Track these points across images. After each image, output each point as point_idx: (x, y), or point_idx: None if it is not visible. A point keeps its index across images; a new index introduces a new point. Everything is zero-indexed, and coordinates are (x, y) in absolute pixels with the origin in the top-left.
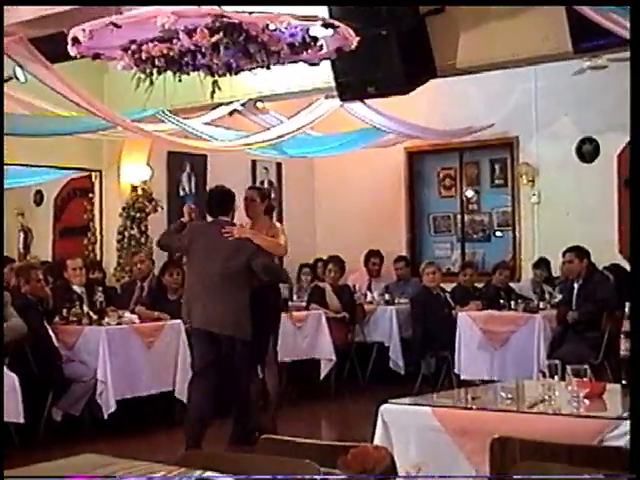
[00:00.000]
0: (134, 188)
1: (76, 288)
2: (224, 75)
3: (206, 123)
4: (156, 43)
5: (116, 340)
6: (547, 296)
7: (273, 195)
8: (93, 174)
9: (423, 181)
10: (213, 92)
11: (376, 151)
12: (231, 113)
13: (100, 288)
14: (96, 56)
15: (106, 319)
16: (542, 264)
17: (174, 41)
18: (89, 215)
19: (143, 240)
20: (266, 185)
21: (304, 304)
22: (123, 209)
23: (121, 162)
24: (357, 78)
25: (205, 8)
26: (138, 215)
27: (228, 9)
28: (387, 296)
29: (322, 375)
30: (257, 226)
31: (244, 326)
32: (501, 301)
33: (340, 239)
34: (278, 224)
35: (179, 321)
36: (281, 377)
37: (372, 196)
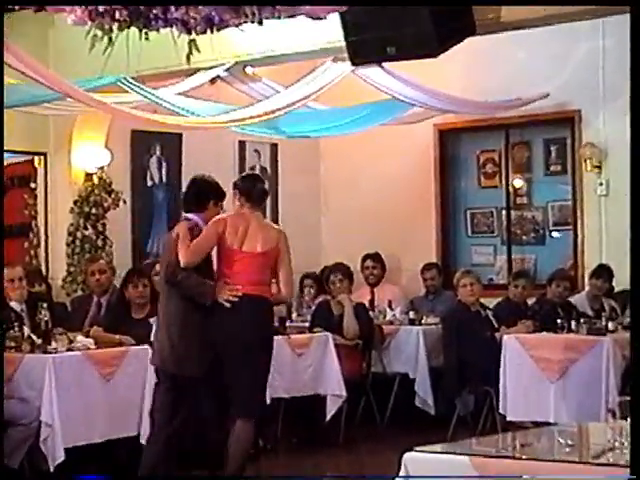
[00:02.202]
0: (89, 176)
1: (14, 305)
2: (203, 32)
3: (181, 93)
4: None
5: (65, 371)
6: (609, 313)
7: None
8: (36, 158)
9: (458, 167)
10: (189, 54)
11: (398, 129)
12: (213, 81)
13: (45, 305)
14: (39, 6)
15: (53, 344)
16: (603, 272)
17: None
18: (31, 211)
19: (100, 243)
20: (257, 172)
21: (306, 325)
22: (75, 203)
23: (72, 143)
24: (373, 36)
25: None
26: (94, 211)
27: None
28: (412, 314)
29: (329, 415)
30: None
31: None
32: (559, 321)
33: (352, 242)
34: (213, 220)
35: (146, 347)
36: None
37: (393, 187)
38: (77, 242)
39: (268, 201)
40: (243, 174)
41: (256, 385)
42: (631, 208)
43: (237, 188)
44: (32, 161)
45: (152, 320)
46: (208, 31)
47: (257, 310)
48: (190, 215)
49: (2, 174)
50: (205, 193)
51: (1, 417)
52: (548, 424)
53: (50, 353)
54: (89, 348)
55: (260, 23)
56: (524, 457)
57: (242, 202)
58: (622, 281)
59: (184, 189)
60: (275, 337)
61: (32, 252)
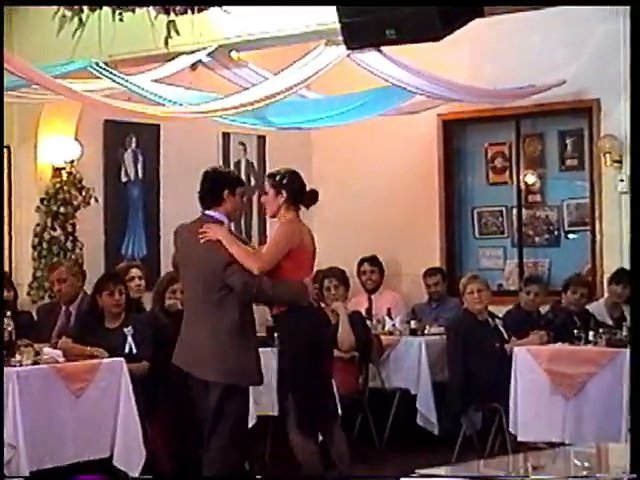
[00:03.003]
0: (57, 171)
1: None
2: (184, 13)
3: (158, 80)
4: None
5: (31, 387)
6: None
7: (285, 180)
8: None
9: (464, 162)
10: (168, 37)
11: (398, 120)
12: (194, 67)
13: (8, 313)
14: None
15: (17, 357)
16: (624, 278)
17: None
18: None
19: (70, 245)
20: (243, 168)
21: None
22: (42, 201)
23: (38, 135)
24: (371, 17)
25: None
26: (63, 210)
27: None
28: (414, 323)
29: (321, 436)
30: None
31: (235, 366)
32: (575, 331)
33: (347, 245)
34: (285, 224)
35: (121, 359)
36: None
37: (393, 184)
38: (44, 244)
39: (255, 200)
40: (309, 189)
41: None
42: (631, 207)
43: (287, 184)
44: None
45: (127, 330)
46: (189, 12)
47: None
48: (210, 212)
49: (2, 172)
50: (218, 184)
51: (1, 417)
52: (563, 445)
53: (14, 367)
54: (57, 361)
55: (246, 3)
56: None
57: (289, 204)
58: None
59: (199, 185)
60: (262, 348)
61: None
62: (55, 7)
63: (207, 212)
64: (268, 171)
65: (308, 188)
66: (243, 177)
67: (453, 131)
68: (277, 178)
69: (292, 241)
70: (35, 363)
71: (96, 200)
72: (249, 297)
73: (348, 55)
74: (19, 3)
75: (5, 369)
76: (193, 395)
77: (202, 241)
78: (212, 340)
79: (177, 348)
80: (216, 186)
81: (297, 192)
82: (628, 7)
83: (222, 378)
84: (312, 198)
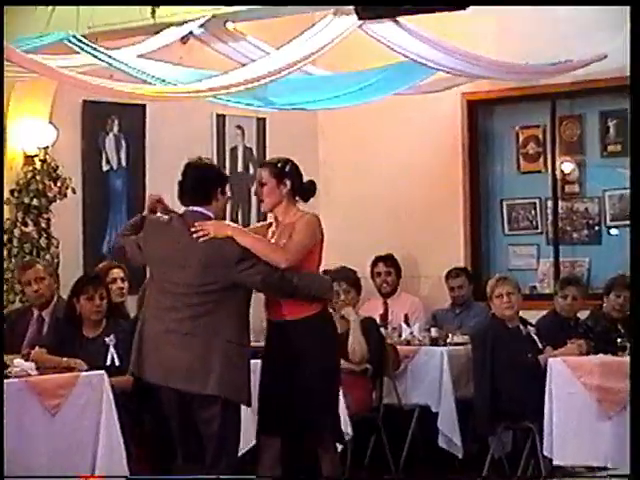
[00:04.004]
0: (29, 159)
1: None
2: None
3: (144, 56)
4: None
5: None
6: None
7: (288, 168)
8: None
9: (492, 148)
10: (155, 6)
11: (417, 100)
12: (184, 40)
13: None
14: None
15: None
16: None
17: None
18: None
19: (44, 242)
20: (240, 155)
21: None
22: (12, 193)
23: (8, 118)
24: None
25: None
26: (36, 202)
27: None
28: (435, 331)
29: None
30: (279, 222)
31: (231, 378)
32: (618, 340)
33: (359, 242)
34: (309, 215)
35: (101, 373)
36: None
37: (411, 173)
38: (14, 241)
39: (252, 190)
40: (306, 180)
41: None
42: (631, 207)
43: (289, 173)
44: None
45: (108, 339)
46: None
47: None
48: (198, 209)
49: (2, 169)
50: (211, 182)
51: (1, 417)
52: (605, 469)
53: None
54: (29, 374)
55: None
56: None
57: (291, 196)
58: None
59: (180, 177)
60: (258, 360)
61: None
62: None
63: (195, 208)
64: (263, 159)
65: (306, 179)
66: (240, 165)
67: (479, 112)
68: (279, 165)
69: (317, 236)
70: (4, 377)
71: (73, 191)
72: (272, 289)
73: (360, 26)
74: (19, 3)
75: None
76: (174, 411)
77: (201, 240)
78: (211, 349)
79: (145, 360)
80: (208, 184)
81: (299, 183)
82: None
83: (223, 392)
84: (312, 190)
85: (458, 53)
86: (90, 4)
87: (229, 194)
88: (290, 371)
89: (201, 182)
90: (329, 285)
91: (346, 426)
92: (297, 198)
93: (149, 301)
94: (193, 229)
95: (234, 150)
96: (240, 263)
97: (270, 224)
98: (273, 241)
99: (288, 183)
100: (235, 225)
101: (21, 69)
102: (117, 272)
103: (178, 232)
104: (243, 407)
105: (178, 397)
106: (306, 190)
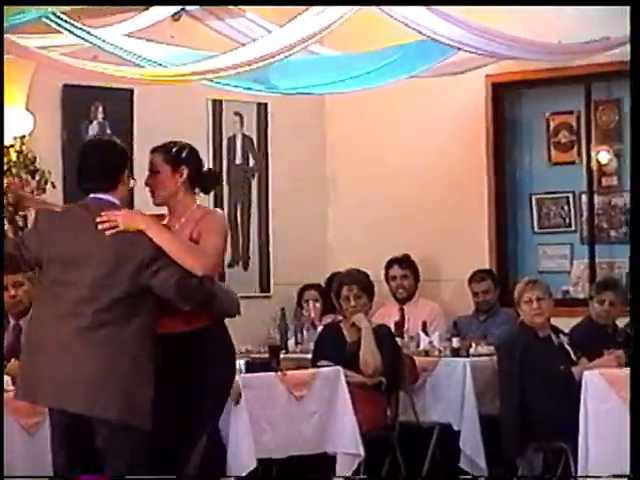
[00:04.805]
0: (4, 150)
1: None
2: None
3: (131, 34)
4: None
5: None
6: None
7: (185, 154)
8: None
9: (520, 136)
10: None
11: (436, 84)
12: (176, 17)
13: None
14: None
15: None
16: None
17: None
18: None
19: None
20: (239, 144)
21: (309, 356)
22: None
23: None
24: None
25: None
26: (12, 197)
27: None
28: (456, 341)
29: None
30: (175, 217)
31: (136, 401)
32: None
33: (372, 241)
34: (218, 211)
35: None
36: None
37: (429, 164)
38: None
39: (254, 185)
40: (207, 168)
41: None
42: (631, 207)
43: (187, 159)
44: None
45: None
46: None
47: None
48: (103, 196)
49: (2, 167)
50: (118, 162)
51: (1, 417)
52: None
53: None
54: (6, 390)
55: None
56: None
57: (188, 186)
58: None
59: (79, 158)
60: (262, 374)
61: None
62: None
63: (99, 195)
64: (265, 149)
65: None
66: (239, 156)
67: (505, 97)
68: (174, 151)
69: (226, 237)
70: None
71: (53, 186)
72: (187, 297)
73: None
74: (19, 3)
75: None
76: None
77: (109, 232)
78: (115, 365)
79: (36, 381)
80: (115, 164)
81: (198, 171)
82: None
83: (126, 416)
84: (213, 180)
85: (482, 31)
86: (89, 4)
87: (135, 178)
88: (177, 389)
89: (106, 163)
90: (236, 298)
91: (358, 446)
92: (196, 190)
93: (38, 310)
94: (98, 219)
95: (232, 139)
96: (153, 263)
97: (161, 216)
98: None
99: (185, 171)
100: (148, 216)
101: None
102: None
103: (77, 224)
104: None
105: (70, 422)
106: (207, 180)
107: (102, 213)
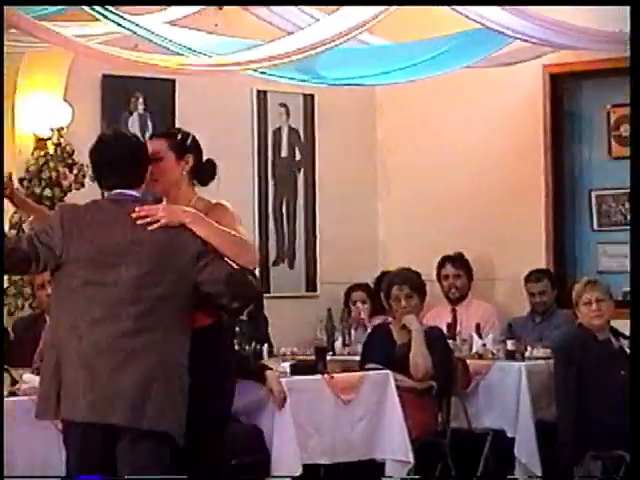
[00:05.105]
0: (41, 143)
1: None
2: None
3: (173, 22)
4: None
5: (8, 426)
6: None
7: (189, 142)
8: None
9: (579, 129)
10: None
11: (491, 74)
12: (220, 4)
13: None
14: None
15: None
16: None
17: None
18: None
19: None
20: (285, 137)
21: (357, 358)
22: (21, 182)
23: (15, 96)
24: None
25: None
26: (48, 192)
27: None
28: (511, 344)
29: None
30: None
31: (179, 412)
32: None
33: (423, 239)
34: (226, 204)
35: None
36: None
37: (483, 158)
38: None
39: (301, 179)
40: (206, 159)
41: None
42: (631, 207)
43: (191, 147)
44: None
45: None
46: None
47: None
48: (132, 192)
49: (2, 166)
50: (146, 157)
51: (1, 418)
52: None
53: None
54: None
55: None
56: None
57: (191, 177)
58: None
59: (104, 151)
60: (307, 376)
61: None
62: None
63: (127, 192)
64: (311, 143)
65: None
66: (285, 149)
67: (564, 88)
68: (180, 138)
69: None
70: (12, 394)
71: (92, 180)
72: (236, 291)
73: None
74: (19, 3)
75: None
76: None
77: (151, 227)
78: (156, 373)
79: (66, 395)
80: (143, 159)
81: (200, 162)
82: None
83: (164, 426)
84: (213, 172)
85: (539, 19)
86: (94, 4)
87: None
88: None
89: (135, 157)
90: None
91: (407, 452)
92: (194, 182)
93: (63, 315)
94: (135, 214)
95: (277, 132)
96: (201, 258)
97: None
98: None
99: (191, 160)
100: (191, 210)
101: (31, 39)
102: None
103: (110, 220)
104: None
105: (101, 433)
106: (206, 172)
107: (138, 208)
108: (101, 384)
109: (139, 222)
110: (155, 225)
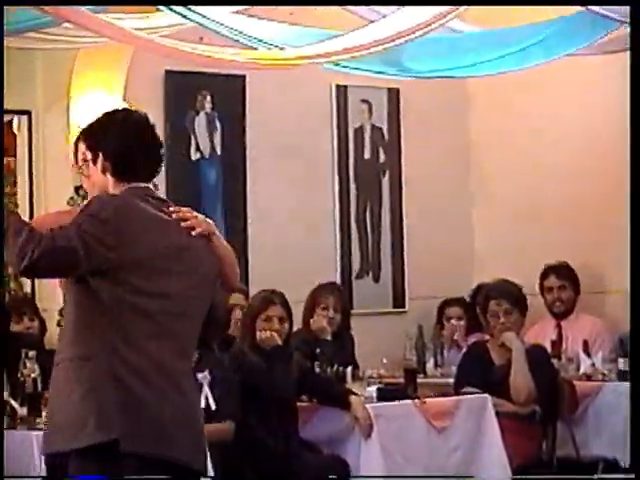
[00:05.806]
0: (4, 149)
1: None
2: None
3: (242, 12)
4: None
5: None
6: None
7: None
8: (15, 120)
9: None
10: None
11: (595, 63)
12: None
13: (32, 353)
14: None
15: (44, 415)
16: None
17: None
18: (10, 198)
19: None
20: (368, 136)
21: (450, 381)
22: (77, 190)
23: (71, 95)
24: None
25: None
26: None
27: None
28: (623, 363)
29: None
30: None
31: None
32: None
33: (523, 248)
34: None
35: None
36: None
37: (589, 156)
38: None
39: (386, 182)
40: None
41: None
42: (631, 207)
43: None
44: (10, 124)
45: (202, 376)
46: None
47: None
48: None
49: (2, 166)
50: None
51: (1, 421)
52: None
53: (39, 429)
54: None
55: None
56: None
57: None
58: None
59: (146, 133)
60: (396, 402)
61: (9, 270)
62: None
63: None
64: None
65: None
66: (367, 150)
67: None
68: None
69: None
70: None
71: (155, 186)
72: (222, 324)
73: None
74: (19, 3)
75: (26, 432)
76: None
77: (194, 233)
78: (198, 402)
79: (137, 423)
80: (157, 145)
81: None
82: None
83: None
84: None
85: None
86: (95, 4)
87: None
88: None
89: (160, 147)
90: None
91: None
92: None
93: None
94: (175, 216)
95: (359, 130)
96: (218, 277)
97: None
98: None
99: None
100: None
101: (87, 33)
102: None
103: (161, 223)
104: None
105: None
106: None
107: (174, 209)
108: (163, 412)
109: (183, 224)
110: (198, 230)
